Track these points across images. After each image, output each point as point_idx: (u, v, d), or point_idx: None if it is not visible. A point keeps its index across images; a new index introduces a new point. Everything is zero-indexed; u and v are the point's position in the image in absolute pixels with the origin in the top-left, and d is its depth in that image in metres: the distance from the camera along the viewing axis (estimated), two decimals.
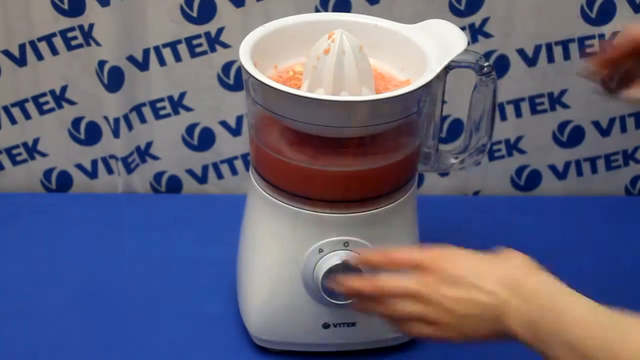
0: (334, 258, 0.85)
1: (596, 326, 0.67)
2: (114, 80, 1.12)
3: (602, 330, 0.66)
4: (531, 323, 0.70)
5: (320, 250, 0.85)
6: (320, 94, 0.81)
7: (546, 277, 0.72)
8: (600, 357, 0.65)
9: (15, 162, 1.20)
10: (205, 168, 1.21)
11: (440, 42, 0.84)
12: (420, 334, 0.79)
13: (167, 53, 1.12)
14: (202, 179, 1.22)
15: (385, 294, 0.78)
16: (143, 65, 1.13)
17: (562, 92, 1.17)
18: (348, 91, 0.81)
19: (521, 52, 1.14)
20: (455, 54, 0.82)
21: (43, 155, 1.19)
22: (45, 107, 1.16)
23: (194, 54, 1.13)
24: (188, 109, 1.17)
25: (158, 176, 1.22)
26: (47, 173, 1.21)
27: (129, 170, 1.20)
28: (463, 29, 0.96)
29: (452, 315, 0.75)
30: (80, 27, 1.10)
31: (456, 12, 1.11)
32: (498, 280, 0.73)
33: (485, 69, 0.87)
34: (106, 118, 1.16)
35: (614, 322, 0.67)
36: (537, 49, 1.14)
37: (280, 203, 0.85)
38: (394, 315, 0.79)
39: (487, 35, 1.12)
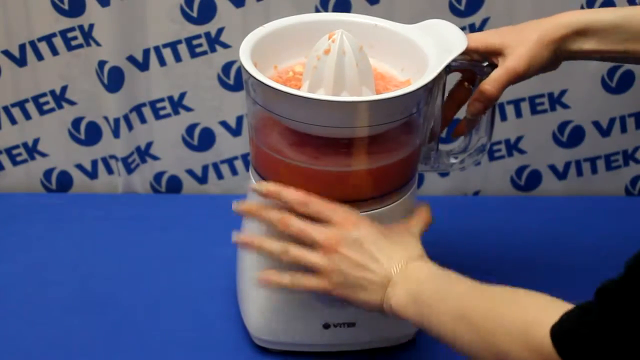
0: None
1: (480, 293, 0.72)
2: (114, 80, 1.12)
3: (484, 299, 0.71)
4: (413, 295, 0.76)
5: None
6: (320, 95, 0.80)
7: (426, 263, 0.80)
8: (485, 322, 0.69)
9: (15, 162, 1.20)
10: (205, 168, 1.21)
11: (441, 42, 0.84)
12: (305, 285, 0.82)
13: (167, 53, 1.12)
14: (202, 179, 1.22)
15: (288, 231, 0.81)
16: (143, 65, 1.13)
17: (562, 92, 1.17)
18: (348, 91, 0.81)
19: None
20: (456, 54, 0.82)
21: (43, 155, 1.19)
22: (45, 107, 1.16)
23: (194, 54, 1.13)
24: (188, 109, 1.17)
25: (158, 176, 1.22)
26: (47, 173, 1.21)
27: (129, 170, 1.20)
28: (463, 29, 0.96)
29: (344, 275, 0.79)
30: (80, 27, 1.10)
31: (456, 12, 1.11)
32: (392, 256, 0.79)
33: (485, 69, 0.87)
34: (106, 118, 1.16)
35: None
36: None
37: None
38: (287, 257, 0.82)
39: None
